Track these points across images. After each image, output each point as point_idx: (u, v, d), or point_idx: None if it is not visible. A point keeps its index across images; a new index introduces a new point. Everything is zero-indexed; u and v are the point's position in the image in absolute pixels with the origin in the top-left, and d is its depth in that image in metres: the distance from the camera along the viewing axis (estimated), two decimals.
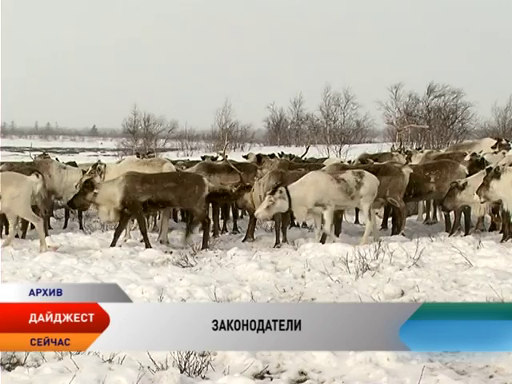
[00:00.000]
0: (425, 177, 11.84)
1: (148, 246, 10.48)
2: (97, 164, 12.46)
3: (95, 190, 10.67)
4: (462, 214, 11.58)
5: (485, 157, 12.60)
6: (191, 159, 20.87)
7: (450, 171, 11.73)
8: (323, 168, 12.58)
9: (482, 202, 10.23)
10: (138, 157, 16.28)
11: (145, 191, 10.68)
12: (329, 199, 10.50)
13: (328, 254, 9.42)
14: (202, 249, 10.48)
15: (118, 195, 10.63)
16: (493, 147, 14.41)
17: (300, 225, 13.40)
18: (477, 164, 12.09)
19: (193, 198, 10.75)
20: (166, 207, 11.13)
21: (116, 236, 10.69)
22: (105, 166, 12.28)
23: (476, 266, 8.57)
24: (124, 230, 11.85)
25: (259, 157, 14.58)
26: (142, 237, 10.77)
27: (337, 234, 10.92)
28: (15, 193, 10.24)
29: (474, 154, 12.72)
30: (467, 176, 11.45)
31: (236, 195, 11.38)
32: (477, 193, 9.98)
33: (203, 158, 17.66)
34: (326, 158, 19.90)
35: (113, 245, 10.48)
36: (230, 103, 64.78)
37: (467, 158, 12.77)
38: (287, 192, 10.40)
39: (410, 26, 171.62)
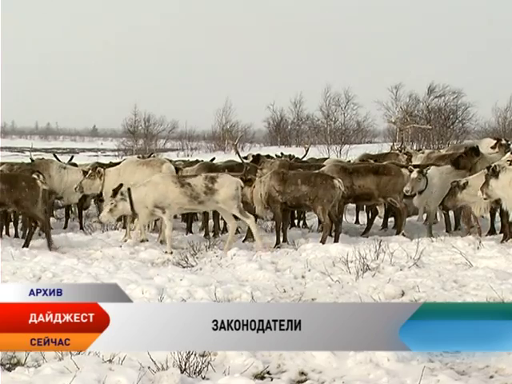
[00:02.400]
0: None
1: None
2: (96, 167, 12.46)
3: None
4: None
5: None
6: (188, 160, 20.81)
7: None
8: (322, 168, 12.59)
9: (485, 199, 10.28)
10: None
11: None
12: (169, 202, 10.39)
13: (328, 254, 9.42)
14: (23, 247, 10.36)
15: None
16: (492, 147, 14.40)
17: (300, 225, 13.41)
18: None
19: (29, 201, 10.46)
20: (2, 208, 10.96)
21: None
22: (104, 169, 12.26)
23: (476, 267, 8.57)
24: (124, 230, 11.87)
25: (257, 157, 14.59)
26: None
27: (337, 234, 10.91)
28: None
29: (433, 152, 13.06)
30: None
31: None
32: (480, 190, 10.05)
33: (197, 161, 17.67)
34: (326, 158, 19.85)
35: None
36: (230, 103, 64.98)
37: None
38: (129, 194, 10.43)
39: (411, 26, 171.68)
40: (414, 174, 11.41)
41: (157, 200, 10.39)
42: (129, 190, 10.53)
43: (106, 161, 20.15)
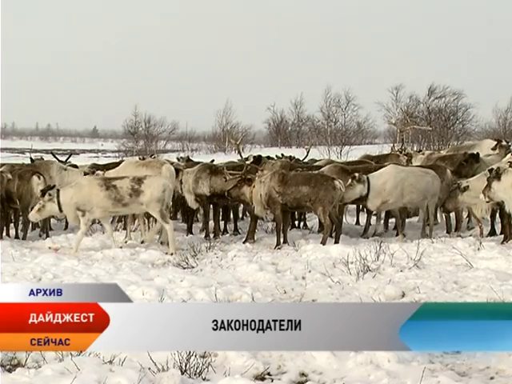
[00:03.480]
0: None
1: None
2: (94, 171, 12.47)
3: None
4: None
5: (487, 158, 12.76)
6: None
7: None
8: (322, 169, 12.59)
9: (487, 202, 10.29)
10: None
11: None
12: (92, 205, 10.37)
13: (329, 255, 9.43)
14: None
15: None
16: (493, 148, 14.44)
17: (301, 226, 13.41)
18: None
19: None
20: None
21: None
22: (104, 171, 12.25)
23: (477, 268, 8.57)
24: (125, 232, 11.88)
25: (258, 158, 14.58)
26: None
27: (337, 235, 10.90)
28: None
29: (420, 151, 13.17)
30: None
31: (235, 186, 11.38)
32: (482, 192, 10.05)
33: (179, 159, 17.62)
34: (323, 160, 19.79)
35: None
36: (230, 104, 64.91)
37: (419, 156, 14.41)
38: (58, 195, 10.43)
39: (411, 26, 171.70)
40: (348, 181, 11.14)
41: (79, 202, 10.38)
42: (58, 191, 10.54)
43: (106, 162, 20.10)
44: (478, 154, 12.50)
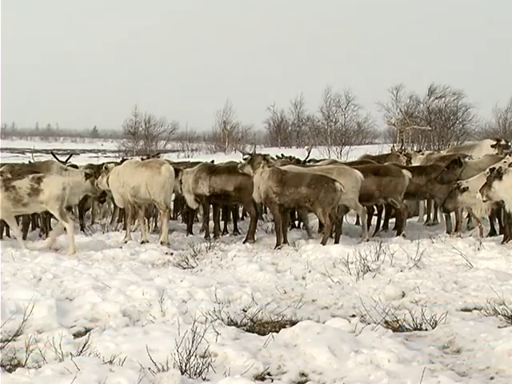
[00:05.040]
0: None
1: None
2: (103, 164, 12.51)
3: None
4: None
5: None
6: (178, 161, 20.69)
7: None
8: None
9: (484, 201, 10.26)
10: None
11: None
12: None
13: (329, 255, 9.42)
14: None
15: None
16: (492, 146, 14.47)
17: (301, 226, 13.40)
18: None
19: None
20: None
21: None
22: (113, 166, 12.28)
23: (477, 268, 8.57)
24: (125, 232, 11.87)
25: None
26: None
27: (337, 235, 10.89)
28: None
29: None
30: None
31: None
32: (480, 192, 10.02)
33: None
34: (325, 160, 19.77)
35: None
36: (230, 104, 64.95)
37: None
38: None
39: (411, 26, 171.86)
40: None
41: None
42: None
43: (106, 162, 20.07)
44: (459, 158, 12.31)
